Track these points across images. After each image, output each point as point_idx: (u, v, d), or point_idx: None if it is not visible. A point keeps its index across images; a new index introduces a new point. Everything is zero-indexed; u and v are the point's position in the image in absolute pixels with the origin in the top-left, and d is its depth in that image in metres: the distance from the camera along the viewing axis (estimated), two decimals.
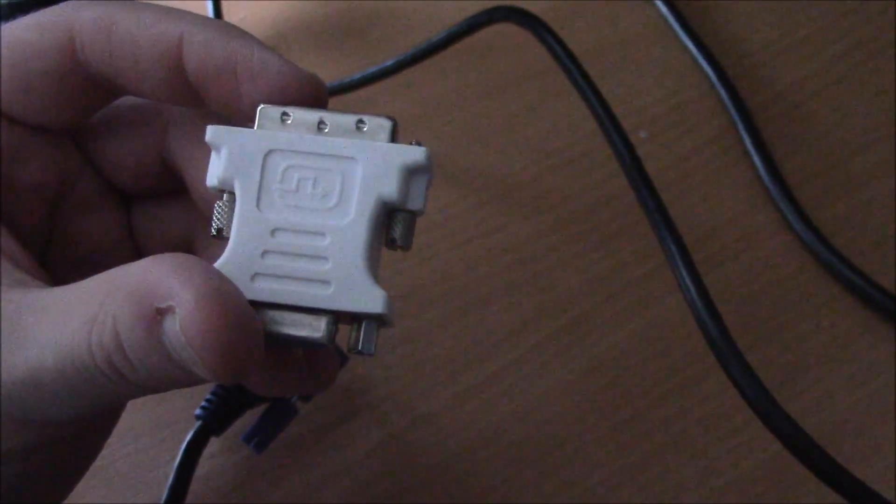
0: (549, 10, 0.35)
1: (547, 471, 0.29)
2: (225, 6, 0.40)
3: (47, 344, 0.16)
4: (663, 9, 0.40)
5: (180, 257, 0.16)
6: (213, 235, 0.18)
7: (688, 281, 0.25)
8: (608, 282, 0.33)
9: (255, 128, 0.18)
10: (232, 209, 0.18)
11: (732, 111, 0.37)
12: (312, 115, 0.18)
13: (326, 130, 0.18)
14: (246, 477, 0.28)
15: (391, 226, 0.18)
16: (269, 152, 0.18)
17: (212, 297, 0.15)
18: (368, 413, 0.30)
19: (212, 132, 0.18)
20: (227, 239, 0.18)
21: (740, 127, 0.36)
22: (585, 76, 0.30)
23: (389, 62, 0.36)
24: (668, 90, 0.38)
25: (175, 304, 0.15)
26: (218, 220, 0.18)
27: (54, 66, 0.19)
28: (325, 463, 0.29)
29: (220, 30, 0.18)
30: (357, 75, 0.36)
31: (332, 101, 0.37)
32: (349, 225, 0.17)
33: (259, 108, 0.18)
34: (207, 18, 0.19)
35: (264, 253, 0.18)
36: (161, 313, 0.15)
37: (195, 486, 0.27)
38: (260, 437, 0.27)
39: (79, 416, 0.18)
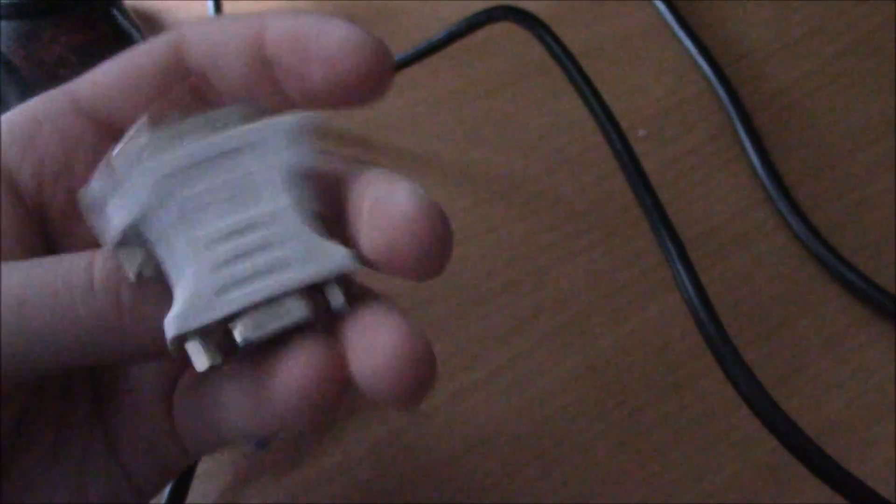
0: (547, 9, 0.35)
1: (545, 468, 0.29)
2: (226, 5, 0.40)
3: (37, 267, 0.17)
4: (662, 8, 0.40)
5: None
6: (138, 280, 0.17)
7: (685, 279, 0.25)
8: (606, 280, 0.33)
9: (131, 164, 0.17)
10: (151, 253, 0.17)
11: (730, 110, 0.37)
12: (173, 130, 0.17)
13: (187, 137, 0.17)
14: (248, 474, 0.28)
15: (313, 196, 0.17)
16: (155, 184, 0.17)
17: None
18: (369, 410, 0.30)
19: (85, 193, 0.17)
20: (166, 282, 0.17)
21: (738, 125, 0.37)
22: (584, 75, 0.30)
23: None
24: (666, 89, 0.38)
25: None
26: (140, 266, 0.17)
27: (161, 60, 0.19)
28: (326, 460, 0.29)
29: (301, 12, 0.19)
30: None
31: None
32: (274, 206, 0.17)
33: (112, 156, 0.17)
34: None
35: (212, 269, 0.17)
36: None
37: (197, 484, 0.27)
38: None
39: (57, 365, 0.17)
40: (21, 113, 0.19)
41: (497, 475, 0.29)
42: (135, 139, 0.17)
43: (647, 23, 0.41)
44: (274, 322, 0.17)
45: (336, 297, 0.17)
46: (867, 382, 0.30)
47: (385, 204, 0.17)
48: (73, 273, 0.17)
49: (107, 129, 0.20)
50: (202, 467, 0.27)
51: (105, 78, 0.20)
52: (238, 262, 0.17)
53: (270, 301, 0.17)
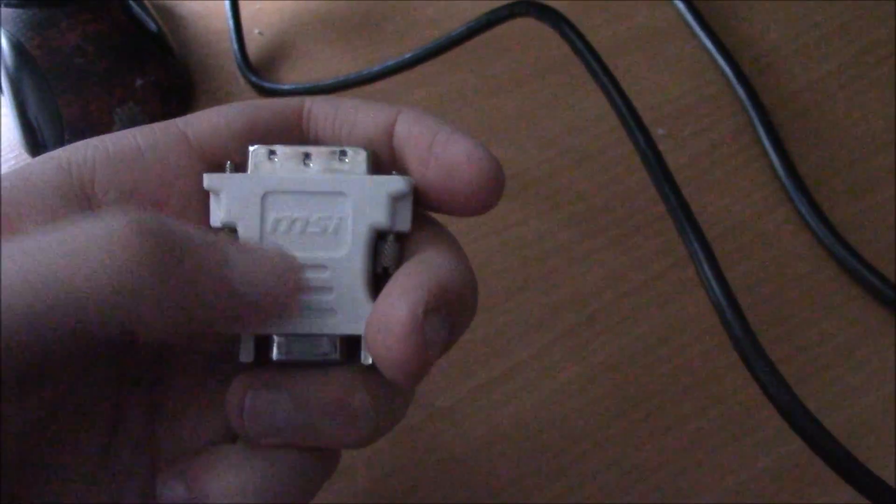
0: (565, 6, 0.35)
1: (562, 467, 0.29)
2: (243, 4, 0.40)
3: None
4: (681, 7, 0.40)
5: None
6: None
7: (711, 278, 0.25)
8: (625, 278, 0.33)
9: (249, 170, 0.19)
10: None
11: (750, 109, 0.37)
12: (297, 152, 0.19)
13: (311, 165, 0.19)
14: None
15: (382, 253, 0.19)
16: (266, 194, 0.19)
17: None
18: None
19: (209, 179, 0.19)
20: None
21: (757, 125, 0.36)
22: (607, 70, 0.30)
23: (408, 55, 0.36)
24: (685, 88, 0.38)
25: None
26: None
27: (280, 116, 0.20)
28: (342, 455, 0.28)
29: (429, 113, 0.21)
30: (376, 68, 0.36)
31: (351, 93, 0.37)
32: (347, 256, 0.19)
33: (251, 149, 0.19)
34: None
35: None
36: None
37: None
38: None
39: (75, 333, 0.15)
40: (129, 137, 0.20)
41: (513, 473, 0.29)
42: (263, 148, 0.19)
43: (667, 22, 0.40)
44: (303, 353, 0.19)
45: (366, 355, 0.19)
46: (888, 383, 0.30)
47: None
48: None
49: (213, 166, 0.20)
50: None
51: (220, 118, 0.20)
52: None
53: (308, 336, 0.19)
